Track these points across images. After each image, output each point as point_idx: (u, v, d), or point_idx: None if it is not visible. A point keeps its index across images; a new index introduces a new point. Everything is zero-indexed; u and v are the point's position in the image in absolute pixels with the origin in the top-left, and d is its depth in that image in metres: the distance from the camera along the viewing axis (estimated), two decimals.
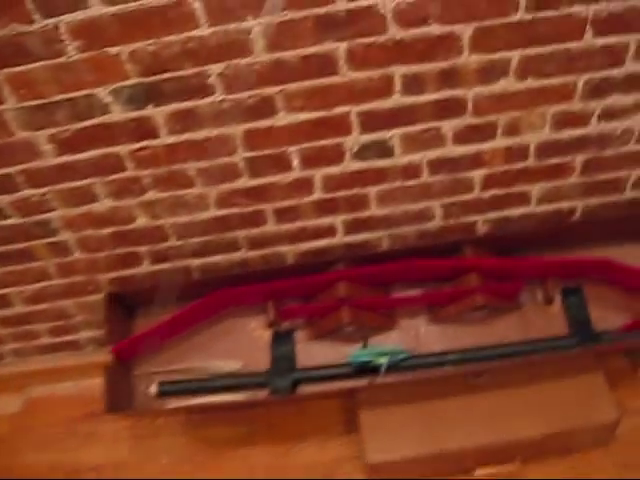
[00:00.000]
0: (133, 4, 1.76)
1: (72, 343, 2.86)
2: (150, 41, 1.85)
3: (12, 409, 2.96)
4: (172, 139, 2.07)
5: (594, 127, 2.25)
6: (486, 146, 2.25)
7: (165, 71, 1.91)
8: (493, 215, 2.48)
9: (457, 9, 1.88)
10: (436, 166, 2.28)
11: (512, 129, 2.21)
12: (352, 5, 1.83)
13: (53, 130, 2.02)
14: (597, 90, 2.14)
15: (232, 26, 1.84)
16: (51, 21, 1.78)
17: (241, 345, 2.53)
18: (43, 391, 2.98)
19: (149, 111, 2.00)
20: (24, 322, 2.71)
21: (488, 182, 2.36)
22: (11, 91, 1.91)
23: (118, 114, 2.00)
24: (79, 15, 1.77)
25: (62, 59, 1.86)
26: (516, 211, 2.50)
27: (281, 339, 2.49)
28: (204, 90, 1.96)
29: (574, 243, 2.57)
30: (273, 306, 2.48)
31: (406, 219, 2.43)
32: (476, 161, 2.29)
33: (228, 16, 1.81)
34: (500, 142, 2.25)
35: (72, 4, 1.75)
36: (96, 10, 1.76)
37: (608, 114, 2.22)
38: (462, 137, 2.21)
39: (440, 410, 2.43)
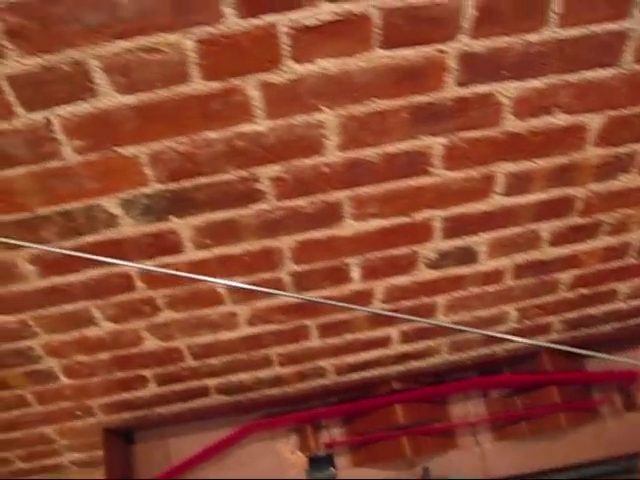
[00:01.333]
0: (162, 92, 1.10)
1: (52, 467, 2.17)
2: (181, 138, 1.18)
3: None
4: (199, 255, 1.42)
5: None
6: (584, 246, 1.66)
7: (198, 175, 1.27)
8: (574, 314, 1.89)
9: (591, 96, 1.34)
10: (523, 269, 1.71)
11: (619, 228, 1.67)
12: (465, 92, 1.19)
13: (37, 250, 1.33)
14: None
15: (299, 119, 1.18)
16: (39, 115, 1.09)
17: (273, 470, 1.89)
18: None
19: (171, 224, 1.33)
20: None
21: (577, 282, 1.80)
22: None
23: (129, 228, 1.33)
24: (81, 107, 1.09)
25: (54, 163, 1.18)
26: (600, 308, 1.90)
27: (319, 464, 1.85)
28: (250, 196, 1.34)
29: None
30: (311, 432, 1.85)
31: (474, 325, 1.82)
32: (569, 262, 1.74)
33: (296, 106, 1.17)
34: (601, 242, 1.69)
35: (71, 93, 1.07)
36: (107, 101, 1.09)
37: None
38: (560, 239, 1.63)
39: None
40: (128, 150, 1.25)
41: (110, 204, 1.34)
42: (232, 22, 1.09)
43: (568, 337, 2.04)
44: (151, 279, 1.50)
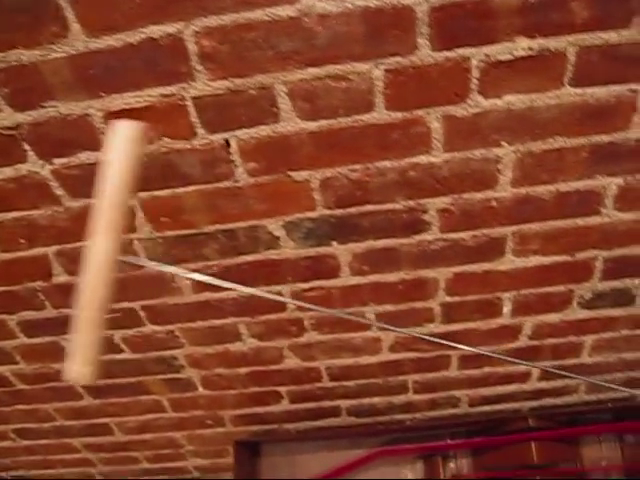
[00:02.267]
0: (343, 120, 1.06)
1: (175, 469, 2.18)
2: (355, 166, 1.14)
3: None
4: (354, 280, 1.38)
5: None
6: None
7: (367, 203, 1.22)
8: None
9: None
10: None
11: None
12: None
13: (195, 265, 1.32)
14: None
15: (477, 153, 1.13)
16: (219, 137, 1.07)
17: None
18: None
19: (332, 249, 1.30)
20: (122, 449, 2.03)
21: None
22: (148, 219, 1.23)
23: (289, 250, 1.30)
24: (261, 131, 1.06)
25: (226, 183, 1.16)
26: None
27: None
28: (414, 227, 1.29)
29: None
30: (439, 462, 1.82)
31: (618, 367, 1.72)
32: None
33: (475, 140, 1.11)
34: None
35: (254, 117, 1.05)
36: (288, 126, 1.06)
37: None
38: None
39: None
40: (300, 175, 1.22)
41: (274, 226, 1.31)
42: (425, 54, 1.05)
43: None
44: (303, 300, 1.47)
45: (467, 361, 1.69)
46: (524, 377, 1.77)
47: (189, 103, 1.11)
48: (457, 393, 1.82)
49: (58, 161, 1.21)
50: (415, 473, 1.90)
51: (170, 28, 1.02)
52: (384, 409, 1.85)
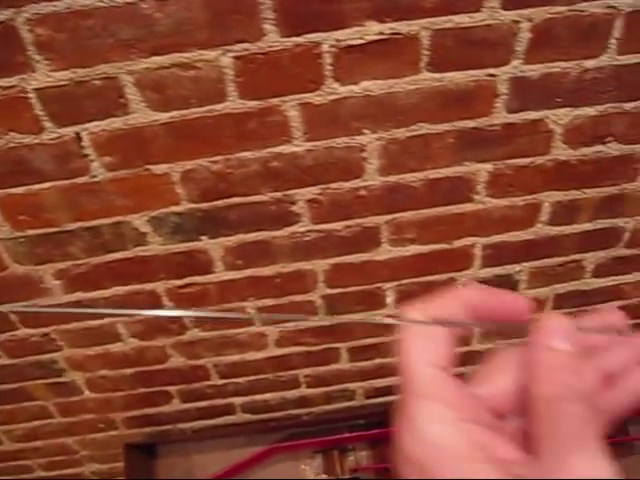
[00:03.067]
0: (197, 110, 1.02)
1: (73, 475, 2.10)
2: (215, 158, 1.10)
3: None
4: (230, 275, 1.34)
5: None
6: (629, 277, 1.55)
7: (232, 195, 1.18)
8: None
9: None
10: (563, 299, 1.58)
11: None
12: (515, 118, 1.10)
13: (63, 265, 1.26)
14: None
15: (340, 141, 1.10)
16: (69, 130, 1.01)
17: None
18: None
19: (202, 243, 1.26)
20: (13, 458, 1.95)
21: None
22: (6, 217, 1.16)
23: (158, 246, 1.25)
24: (112, 123, 1.01)
25: (83, 179, 1.10)
26: None
27: None
28: (285, 219, 1.26)
29: None
30: (337, 455, 1.80)
31: None
32: (612, 294, 1.63)
33: (336, 128, 1.08)
34: None
35: (102, 108, 1.00)
36: (139, 117, 1.01)
37: None
38: (604, 269, 1.52)
39: None
40: (160, 168, 1.18)
41: (139, 222, 1.26)
42: (273, 40, 1.01)
43: None
44: (179, 298, 1.42)
45: (357, 353, 1.66)
46: None
47: (32, 95, 1.05)
48: (351, 386, 1.79)
49: None
50: (314, 468, 1.87)
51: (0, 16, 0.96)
52: (278, 405, 1.82)
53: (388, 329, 1.59)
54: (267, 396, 1.78)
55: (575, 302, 1.64)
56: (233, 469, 1.79)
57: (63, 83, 1.04)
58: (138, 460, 1.82)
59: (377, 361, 1.70)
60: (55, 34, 0.99)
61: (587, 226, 1.43)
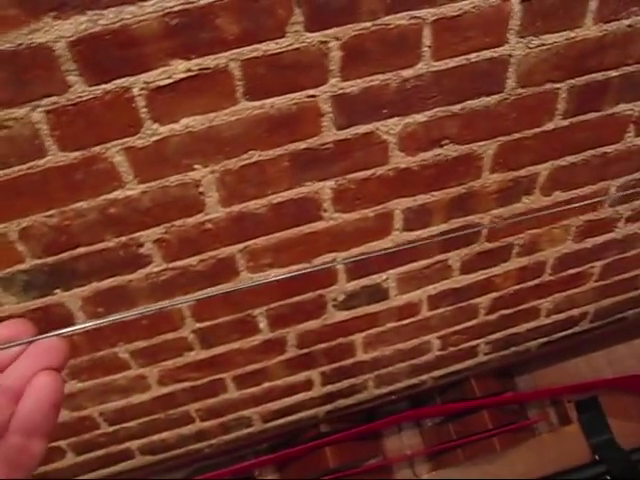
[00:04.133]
0: (19, 168, 1.02)
1: None
2: (50, 212, 1.09)
3: None
4: (93, 324, 1.30)
5: (620, 231, 1.62)
6: (497, 269, 1.59)
7: (77, 246, 1.17)
8: (498, 335, 1.83)
9: (479, 125, 1.31)
10: (438, 299, 1.63)
11: (530, 248, 1.61)
12: (345, 134, 1.13)
13: None
14: (628, 194, 1.60)
15: (173, 179, 1.10)
16: None
17: None
18: None
19: (57, 297, 1.24)
20: None
21: (496, 305, 1.73)
22: None
23: (13, 305, 1.23)
24: None
25: None
26: (523, 327, 1.84)
27: None
28: (136, 262, 1.26)
29: (583, 349, 2.05)
30: None
31: (397, 357, 1.75)
32: (485, 287, 1.67)
33: (166, 168, 1.08)
34: (514, 263, 1.64)
35: None
36: None
37: (636, 215, 1.68)
38: (471, 265, 1.56)
39: None
40: None
41: None
42: (80, 90, 1.00)
43: (497, 357, 1.98)
44: None
45: (243, 381, 1.66)
46: (307, 385, 1.76)
47: None
48: (245, 413, 1.79)
49: None
50: None
51: None
52: (177, 442, 1.80)
53: (267, 353, 1.59)
54: (163, 435, 1.76)
55: (450, 300, 1.67)
56: None
57: None
58: None
59: (266, 385, 1.70)
60: None
61: (443, 227, 1.46)
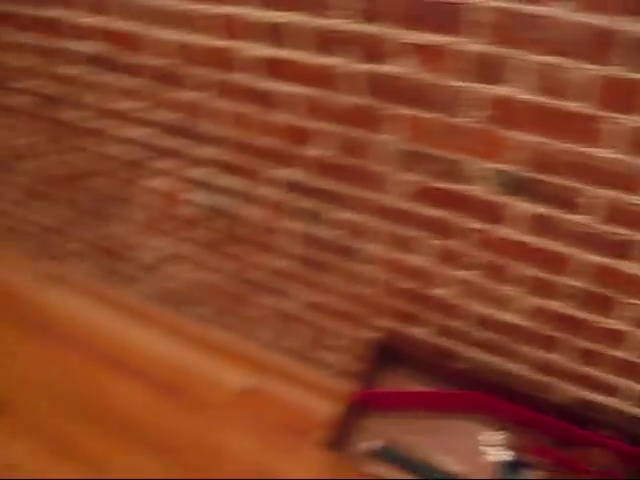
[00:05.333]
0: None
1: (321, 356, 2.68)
2: (548, 140, 1.59)
3: (239, 382, 2.87)
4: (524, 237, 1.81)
5: None
6: None
7: (548, 172, 1.65)
8: None
9: None
10: None
11: None
12: None
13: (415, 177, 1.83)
14: None
15: None
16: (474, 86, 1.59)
17: (466, 452, 2.20)
18: (275, 380, 2.86)
19: (514, 202, 1.74)
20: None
21: None
22: (399, 130, 1.76)
23: (480, 192, 1.77)
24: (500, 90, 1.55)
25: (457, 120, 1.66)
26: None
27: (510, 467, 2.14)
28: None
29: None
30: (523, 432, 2.17)
31: None
32: None
33: None
34: None
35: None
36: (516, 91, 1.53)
37: None
38: None
39: None
40: (509, 133, 1.67)
41: (478, 168, 1.78)
42: None
43: None
44: (470, 240, 1.92)
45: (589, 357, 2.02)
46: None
47: None
48: (563, 386, 2.15)
49: None
50: (496, 439, 2.25)
51: None
52: (493, 371, 2.24)
53: None
54: (492, 359, 2.21)
55: None
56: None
57: None
58: (376, 359, 2.31)
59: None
60: None
61: None
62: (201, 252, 2.67)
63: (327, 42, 1.74)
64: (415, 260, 2.06)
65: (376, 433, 2.26)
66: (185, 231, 2.61)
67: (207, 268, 2.73)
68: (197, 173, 2.36)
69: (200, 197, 2.40)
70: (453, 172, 1.79)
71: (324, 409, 2.42)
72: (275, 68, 1.89)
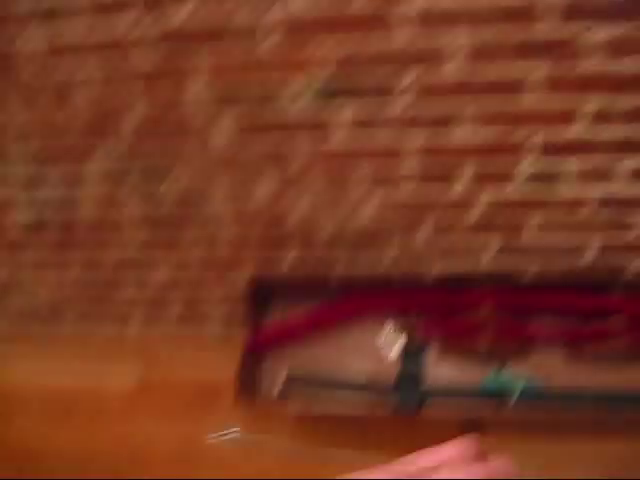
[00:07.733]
0: None
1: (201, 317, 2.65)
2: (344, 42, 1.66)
3: (132, 375, 2.77)
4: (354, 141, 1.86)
5: None
6: None
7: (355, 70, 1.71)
8: None
9: None
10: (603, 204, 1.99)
11: None
12: None
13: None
14: None
15: None
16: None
17: (369, 355, 2.28)
18: (165, 358, 2.77)
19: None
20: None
21: None
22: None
23: (301, 111, 1.82)
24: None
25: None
26: None
27: (411, 355, 2.24)
28: None
29: None
30: (410, 318, 2.27)
31: (558, 253, 2.17)
32: None
33: None
34: None
35: None
36: None
37: None
38: None
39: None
40: None
41: None
42: None
43: None
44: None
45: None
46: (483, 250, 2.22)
47: None
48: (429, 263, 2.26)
49: None
50: (390, 334, 2.34)
51: None
52: (369, 268, 2.32)
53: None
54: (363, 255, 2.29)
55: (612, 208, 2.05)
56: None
57: None
58: (257, 300, 2.34)
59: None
60: None
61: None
62: (44, 266, 2.53)
63: None
64: (259, 194, 2.08)
65: (279, 369, 2.27)
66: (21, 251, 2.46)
67: (57, 280, 2.58)
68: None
69: (24, 215, 2.26)
70: (268, 101, 1.81)
71: (226, 365, 2.40)
72: None
